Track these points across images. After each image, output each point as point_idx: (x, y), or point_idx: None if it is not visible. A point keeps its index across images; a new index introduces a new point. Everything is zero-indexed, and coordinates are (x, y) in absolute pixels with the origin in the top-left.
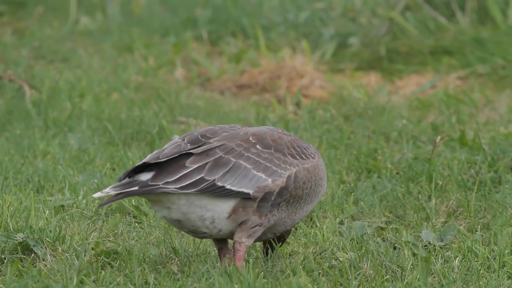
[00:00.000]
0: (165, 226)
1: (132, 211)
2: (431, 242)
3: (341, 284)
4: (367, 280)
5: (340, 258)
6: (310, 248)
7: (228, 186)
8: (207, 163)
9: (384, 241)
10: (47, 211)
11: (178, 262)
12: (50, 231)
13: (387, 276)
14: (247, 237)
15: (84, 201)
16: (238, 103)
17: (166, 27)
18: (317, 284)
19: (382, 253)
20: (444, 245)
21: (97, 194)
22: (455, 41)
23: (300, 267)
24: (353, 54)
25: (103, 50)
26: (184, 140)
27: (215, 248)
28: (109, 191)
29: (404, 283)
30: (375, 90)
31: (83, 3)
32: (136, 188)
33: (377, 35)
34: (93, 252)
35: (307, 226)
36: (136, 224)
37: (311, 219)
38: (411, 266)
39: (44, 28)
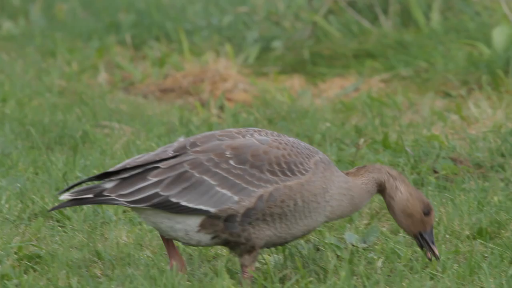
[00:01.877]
0: (88, 230)
1: (55, 215)
2: (354, 244)
3: (265, 287)
4: (291, 282)
5: (263, 260)
6: None
7: (183, 203)
8: (167, 177)
9: (307, 243)
10: None
11: (101, 265)
12: None
13: (311, 278)
14: (249, 260)
15: (7, 205)
16: (162, 107)
17: (89, 31)
18: (240, 286)
19: (306, 255)
20: (367, 247)
21: (62, 196)
22: (378, 45)
23: (224, 269)
24: (277, 58)
25: (26, 55)
26: (175, 145)
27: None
28: (65, 196)
29: (327, 284)
30: (299, 93)
31: (5, 7)
32: (90, 195)
33: (300, 38)
34: (16, 256)
35: None
36: (59, 227)
37: None
38: (334, 268)
39: None
